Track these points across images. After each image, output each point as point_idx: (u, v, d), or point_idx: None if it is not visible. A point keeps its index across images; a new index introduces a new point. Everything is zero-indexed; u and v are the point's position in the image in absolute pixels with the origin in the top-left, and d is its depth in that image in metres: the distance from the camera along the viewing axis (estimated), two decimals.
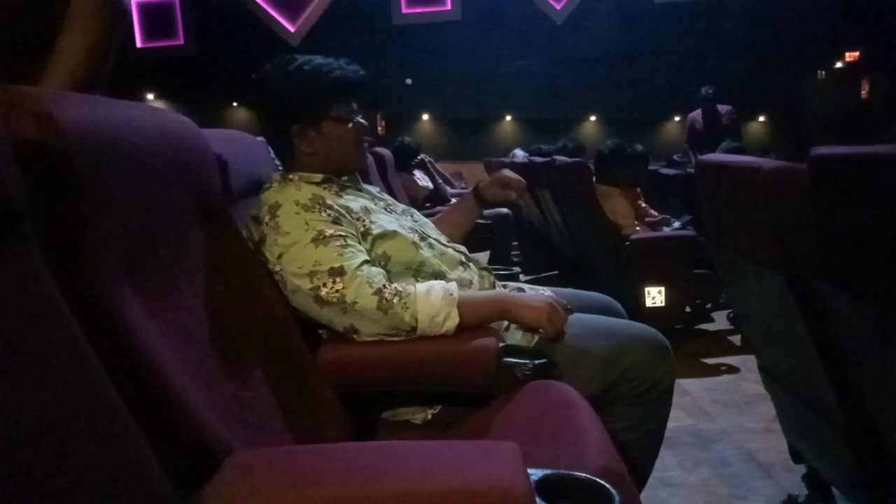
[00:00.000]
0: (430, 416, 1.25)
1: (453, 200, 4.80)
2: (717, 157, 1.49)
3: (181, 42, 9.84)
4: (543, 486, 0.67)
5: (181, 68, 9.38)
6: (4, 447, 0.44)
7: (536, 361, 1.15)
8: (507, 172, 1.62)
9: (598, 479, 0.69)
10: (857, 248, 0.97)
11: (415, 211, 1.53)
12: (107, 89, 1.08)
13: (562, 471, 0.70)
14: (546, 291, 1.53)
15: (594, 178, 3.30)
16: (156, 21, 9.71)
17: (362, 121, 1.38)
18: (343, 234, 1.20)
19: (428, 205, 4.20)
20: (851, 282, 1.02)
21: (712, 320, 3.41)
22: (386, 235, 1.27)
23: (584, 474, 0.70)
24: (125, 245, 0.72)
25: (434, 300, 1.16)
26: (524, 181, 1.60)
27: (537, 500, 0.64)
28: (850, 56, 9.94)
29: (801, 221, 1.10)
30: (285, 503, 0.60)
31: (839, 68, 10.19)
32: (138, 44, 9.74)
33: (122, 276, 0.70)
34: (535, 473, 0.68)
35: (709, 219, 1.60)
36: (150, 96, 9.87)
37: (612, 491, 0.67)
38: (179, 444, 0.68)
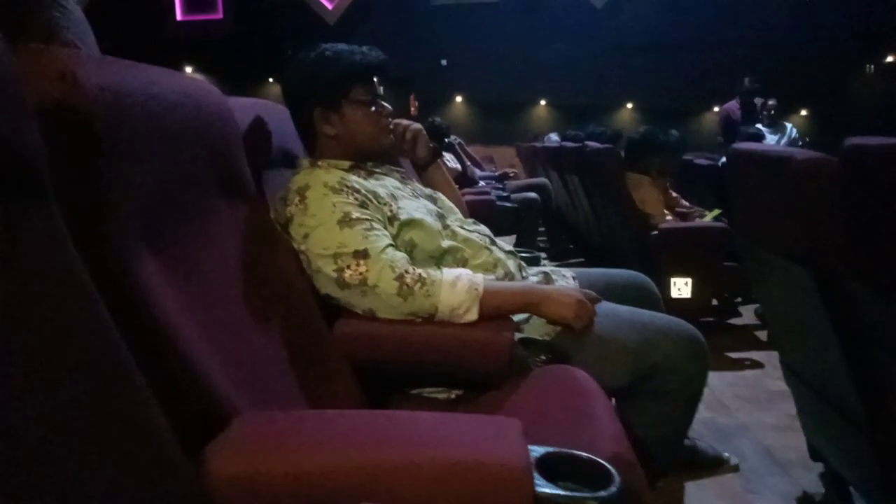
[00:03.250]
0: (453, 396, 1.25)
1: (482, 184, 4.79)
2: (748, 146, 1.45)
3: (220, 16, 9.92)
4: (544, 463, 0.67)
5: (219, 43, 9.46)
6: (18, 400, 0.45)
7: (548, 356, 1.16)
8: (395, 121, 1.48)
9: (599, 460, 0.68)
10: (888, 244, 0.94)
11: (440, 195, 1.52)
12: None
13: (563, 449, 0.69)
14: (570, 274, 1.52)
15: (625, 166, 3.25)
16: None
17: (385, 104, 1.39)
18: (369, 217, 1.21)
19: (456, 187, 4.19)
20: (880, 278, 0.99)
21: (739, 315, 3.35)
22: (413, 223, 1.28)
23: (585, 454, 0.69)
24: (143, 208, 0.73)
25: (458, 292, 1.15)
26: (415, 125, 1.54)
27: (535, 475, 0.64)
28: None
29: (832, 215, 1.07)
30: (285, 465, 0.62)
31: (888, 63, 9.84)
32: (178, 17, 9.85)
33: (138, 239, 0.71)
34: (536, 450, 0.68)
35: (738, 209, 1.56)
36: (189, 69, 9.98)
37: (613, 471, 0.67)
38: (188, 402, 0.69)
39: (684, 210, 3.43)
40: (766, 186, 1.29)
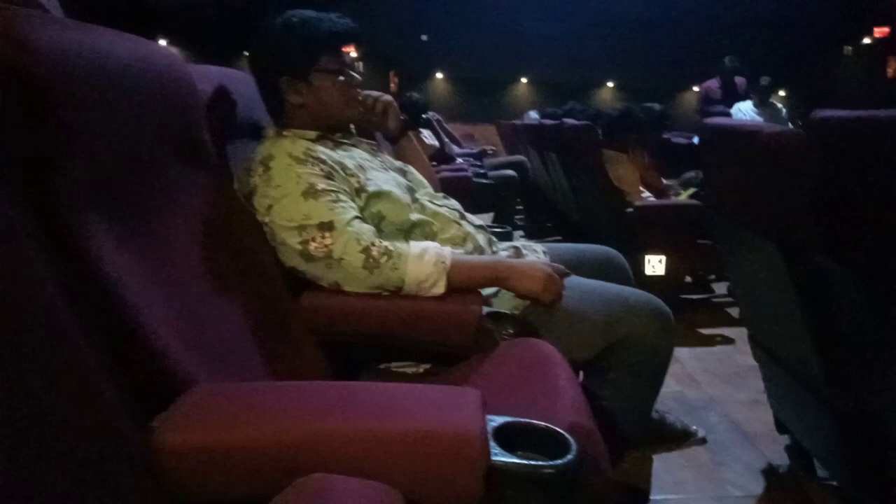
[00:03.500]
0: (422, 370, 1.24)
1: (460, 161, 4.76)
2: (719, 120, 1.45)
3: None
4: (502, 432, 0.67)
5: (194, 14, 9.25)
6: None
7: (517, 330, 1.16)
8: (364, 93, 1.47)
9: (557, 428, 0.68)
10: (852, 217, 0.95)
11: (410, 168, 1.50)
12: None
13: (521, 419, 0.69)
14: (540, 249, 1.52)
15: (603, 143, 3.24)
16: None
17: (354, 74, 1.35)
18: (335, 189, 1.19)
19: (434, 163, 4.16)
20: (844, 251, 1.00)
21: (713, 291, 3.39)
22: (381, 195, 1.26)
23: (543, 423, 0.69)
24: (96, 172, 0.71)
25: (425, 265, 1.14)
26: (386, 97, 1.52)
27: (492, 444, 0.64)
28: (880, 32, 9.67)
29: (798, 188, 1.07)
30: (235, 435, 0.61)
31: (867, 44, 9.92)
32: None
33: (90, 204, 0.69)
34: (495, 420, 0.68)
35: (709, 184, 1.57)
36: (163, 42, 9.77)
37: (570, 439, 0.67)
38: (139, 371, 0.68)
39: (662, 187, 3.45)
40: (735, 160, 1.29)
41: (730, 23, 9.10)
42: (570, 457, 0.65)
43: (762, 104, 5.31)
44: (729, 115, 4.84)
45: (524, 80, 10.51)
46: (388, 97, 1.53)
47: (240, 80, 1.41)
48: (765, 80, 5.34)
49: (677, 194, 3.60)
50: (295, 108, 1.31)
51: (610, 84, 10.35)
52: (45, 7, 0.96)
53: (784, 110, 5.44)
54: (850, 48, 10.09)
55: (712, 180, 1.55)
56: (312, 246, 1.14)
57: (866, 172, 0.87)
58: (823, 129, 0.96)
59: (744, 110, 5.34)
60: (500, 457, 0.64)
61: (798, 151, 1.05)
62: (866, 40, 9.89)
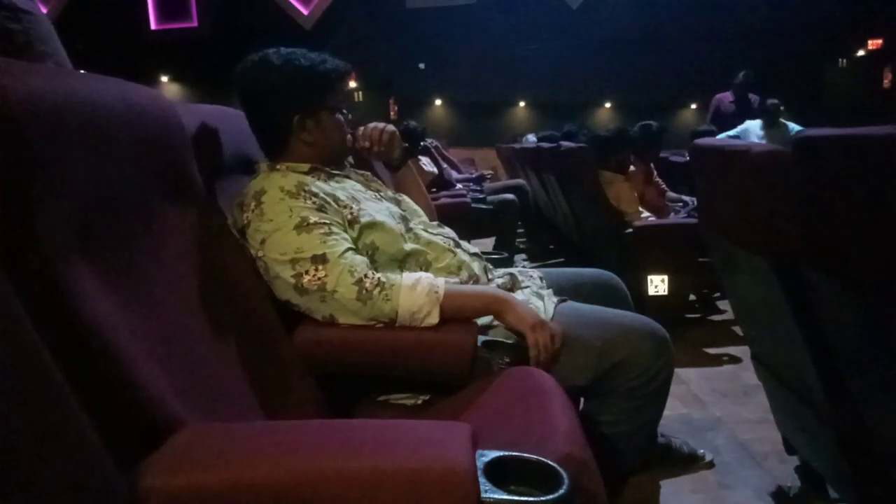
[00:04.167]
0: (419, 402, 1.23)
1: (459, 186, 4.78)
2: (709, 140, 1.45)
3: (195, 24, 9.85)
4: (493, 467, 0.66)
5: (194, 50, 9.39)
6: None
7: (512, 358, 1.15)
8: (371, 124, 1.53)
9: (549, 462, 0.67)
10: (841, 233, 0.94)
11: (404, 197, 1.51)
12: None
13: (513, 453, 0.68)
14: (537, 274, 1.51)
15: (599, 164, 3.26)
16: (169, 3, 9.73)
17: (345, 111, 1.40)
18: (327, 221, 1.19)
19: (433, 190, 4.18)
20: (835, 268, 0.99)
21: (718, 310, 3.36)
22: (375, 225, 1.26)
23: (535, 456, 0.68)
24: (77, 215, 0.71)
25: (418, 296, 1.14)
26: (390, 128, 1.54)
27: (482, 480, 0.63)
28: (873, 44, 9.73)
29: (788, 205, 1.07)
30: (219, 479, 0.60)
31: (861, 56, 9.98)
32: (152, 26, 9.77)
33: (71, 246, 0.69)
34: (487, 455, 0.67)
35: (701, 202, 1.57)
36: (164, 78, 9.91)
37: (562, 473, 0.66)
38: (125, 417, 0.67)
39: (661, 204, 3.45)
40: (726, 179, 1.29)
41: (725, 37, 9.18)
42: (561, 491, 0.64)
43: (771, 125, 5.25)
44: (714, 134, 4.79)
45: (522, 103, 10.59)
46: (392, 127, 1.55)
47: (230, 117, 1.42)
48: (771, 102, 5.30)
49: (677, 212, 3.61)
50: (303, 144, 1.33)
51: (608, 104, 10.42)
52: (57, 60, 0.98)
53: (794, 130, 5.27)
54: (844, 60, 10.16)
55: (704, 198, 1.55)
56: (306, 279, 1.14)
57: (851, 189, 0.86)
58: (808, 147, 0.96)
59: (751, 129, 5.31)
60: (491, 493, 0.63)
61: (786, 170, 1.05)
62: (861, 52, 9.95)
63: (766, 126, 5.25)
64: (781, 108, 5.33)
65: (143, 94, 0.95)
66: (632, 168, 3.67)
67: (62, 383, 0.58)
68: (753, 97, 5.74)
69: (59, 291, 0.65)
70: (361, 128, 1.53)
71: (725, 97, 5.92)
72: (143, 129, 0.91)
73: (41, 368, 0.57)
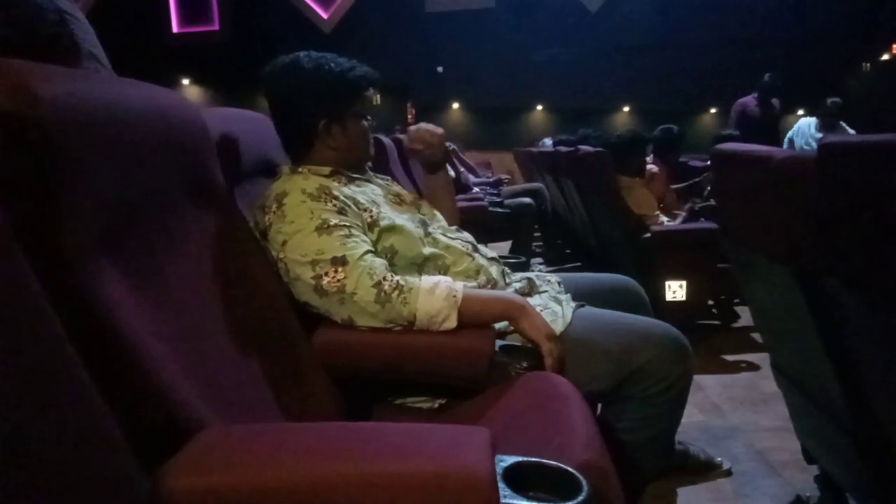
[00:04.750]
0: (437, 405, 1.24)
1: (476, 190, 4.78)
2: (731, 145, 1.44)
3: (216, 28, 9.95)
4: (512, 473, 0.66)
5: (216, 54, 9.48)
6: None
7: (530, 363, 1.15)
8: (422, 126, 1.58)
9: (568, 468, 0.67)
10: (863, 243, 0.93)
11: (424, 202, 1.53)
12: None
13: (532, 458, 0.68)
14: (555, 279, 1.51)
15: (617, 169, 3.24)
16: (191, 6, 9.84)
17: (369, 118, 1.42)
18: (348, 224, 1.20)
19: (453, 191, 4.17)
20: (857, 277, 0.98)
21: (737, 316, 3.33)
22: (394, 229, 1.28)
23: (554, 462, 0.68)
24: (102, 218, 0.72)
25: (436, 300, 1.14)
26: (440, 130, 1.56)
27: (501, 486, 0.63)
28: None
29: (810, 213, 1.06)
30: (240, 480, 0.61)
31: (885, 61, 9.83)
32: (174, 29, 9.88)
33: (96, 249, 0.70)
34: (506, 460, 0.67)
35: (722, 209, 1.56)
36: (186, 81, 10.01)
37: (581, 479, 0.66)
38: (149, 416, 0.68)
39: (677, 210, 3.43)
40: (748, 185, 1.28)
41: (745, 42, 9.09)
42: (581, 498, 0.64)
43: (829, 127, 5.09)
44: (738, 139, 4.75)
45: (539, 107, 10.56)
46: (441, 130, 1.58)
47: (253, 120, 1.44)
48: (833, 101, 5.06)
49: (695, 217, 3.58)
50: (329, 149, 1.34)
51: (626, 109, 10.36)
52: (100, 61, 0.99)
53: (852, 133, 5.12)
54: (868, 65, 10.01)
55: (725, 204, 1.54)
56: (325, 280, 1.15)
57: (873, 198, 0.86)
58: (829, 154, 0.95)
59: (804, 130, 5.20)
60: (510, 499, 0.63)
61: (810, 177, 1.04)
62: (885, 56, 9.80)
63: (823, 127, 5.09)
64: (840, 107, 5.14)
65: (171, 99, 0.96)
66: (656, 170, 3.66)
67: (89, 384, 0.59)
68: (775, 101, 5.68)
69: (84, 295, 0.66)
70: (412, 128, 1.56)
71: (749, 101, 5.84)
72: (170, 134, 0.92)
73: (68, 370, 0.58)
